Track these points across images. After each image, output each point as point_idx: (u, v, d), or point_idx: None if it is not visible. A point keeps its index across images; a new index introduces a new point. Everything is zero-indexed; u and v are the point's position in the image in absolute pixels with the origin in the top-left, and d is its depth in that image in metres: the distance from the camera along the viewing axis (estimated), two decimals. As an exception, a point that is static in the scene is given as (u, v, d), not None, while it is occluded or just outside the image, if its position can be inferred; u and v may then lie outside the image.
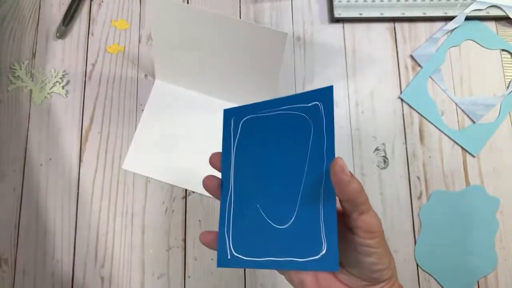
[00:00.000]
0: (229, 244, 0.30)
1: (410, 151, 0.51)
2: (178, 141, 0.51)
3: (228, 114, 0.32)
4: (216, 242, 0.31)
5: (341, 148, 0.51)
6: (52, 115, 0.52)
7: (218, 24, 0.43)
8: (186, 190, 0.50)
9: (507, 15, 0.54)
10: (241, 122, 0.32)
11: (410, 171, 0.51)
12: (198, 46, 0.47)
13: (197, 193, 0.49)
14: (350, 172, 0.25)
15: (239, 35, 0.44)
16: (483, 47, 0.55)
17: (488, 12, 0.54)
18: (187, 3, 0.56)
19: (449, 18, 0.55)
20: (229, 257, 0.29)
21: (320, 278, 0.29)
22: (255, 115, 0.31)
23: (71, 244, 0.48)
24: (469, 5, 0.54)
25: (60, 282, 0.47)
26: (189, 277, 0.48)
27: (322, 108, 0.28)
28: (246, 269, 0.48)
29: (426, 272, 0.48)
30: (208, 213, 0.49)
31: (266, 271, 0.47)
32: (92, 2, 0.55)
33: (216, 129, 0.35)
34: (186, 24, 0.44)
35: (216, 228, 0.30)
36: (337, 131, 0.52)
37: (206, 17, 0.43)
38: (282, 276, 0.30)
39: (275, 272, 0.43)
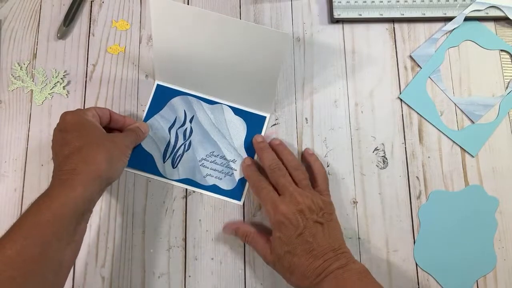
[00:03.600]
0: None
1: (409, 151, 0.51)
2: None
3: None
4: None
5: (341, 148, 0.51)
6: (53, 116, 0.52)
7: (220, 25, 0.43)
8: (186, 190, 0.50)
9: (506, 15, 0.54)
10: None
11: (409, 171, 0.51)
12: (199, 47, 0.47)
13: (197, 193, 0.50)
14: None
15: (240, 36, 0.44)
16: (482, 47, 0.55)
17: (487, 13, 0.54)
18: (187, 4, 0.56)
19: (448, 19, 0.55)
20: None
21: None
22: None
23: (72, 244, 0.48)
24: (468, 5, 0.54)
25: (61, 281, 0.47)
26: (189, 276, 0.48)
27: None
28: (246, 269, 0.48)
29: (425, 271, 0.48)
30: (208, 212, 0.49)
31: (266, 272, 0.48)
32: (92, 2, 0.56)
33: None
34: (187, 25, 0.45)
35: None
36: (337, 131, 0.52)
37: (208, 18, 0.43)
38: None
39: (275, 272, 0.43)
